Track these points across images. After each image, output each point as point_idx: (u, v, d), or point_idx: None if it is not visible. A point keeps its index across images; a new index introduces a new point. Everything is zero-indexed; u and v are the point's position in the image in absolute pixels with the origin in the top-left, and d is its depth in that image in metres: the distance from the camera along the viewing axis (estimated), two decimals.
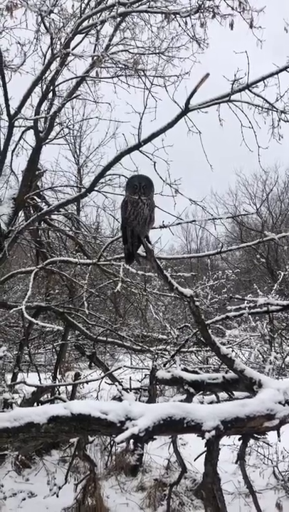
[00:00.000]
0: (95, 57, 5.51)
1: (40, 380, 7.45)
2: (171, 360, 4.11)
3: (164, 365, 4.08)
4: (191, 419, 2.65)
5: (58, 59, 5.57)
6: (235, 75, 4.73)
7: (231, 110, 5.31)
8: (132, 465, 2.21)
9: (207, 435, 2.60)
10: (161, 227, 3.84)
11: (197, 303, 3.03)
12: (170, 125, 5.27)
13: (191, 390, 3.30)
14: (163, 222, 3.69)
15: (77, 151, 15.48)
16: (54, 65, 5.82)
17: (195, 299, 3.03)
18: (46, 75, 6.57)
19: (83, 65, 7.21)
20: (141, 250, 3.12)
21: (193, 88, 5.03)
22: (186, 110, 5.18)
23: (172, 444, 3.64)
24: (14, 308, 4.29)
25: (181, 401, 3.25)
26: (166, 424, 2.61)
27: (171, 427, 2.64)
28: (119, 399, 6.61)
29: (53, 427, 2.58)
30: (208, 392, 3.50)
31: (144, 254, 3.00)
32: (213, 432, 2.60)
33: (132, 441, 2.46)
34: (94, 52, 6.29)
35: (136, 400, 6.37)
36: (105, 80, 7.34)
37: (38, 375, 7.51)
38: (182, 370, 4.20)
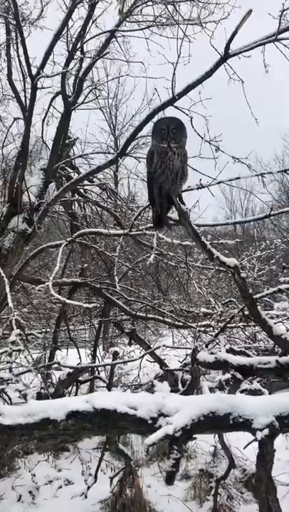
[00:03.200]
0: None
1: (80, 357, 7.21)
2: (214, 339, 3.63)
3: (207, 346, 3.60)
4: (239, 415, 2.18)
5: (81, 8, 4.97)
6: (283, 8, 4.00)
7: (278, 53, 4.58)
8: (168, 471, 1.88)
9: (259, 434, 2.11)
10: (198, 187, 3.30)
11: (243, 274, 2.51)
12: (208, 74, 4.63)
13: (238, 375, 2.80)
14: (200, 182, 3.15)
15: (114, 121, 14.91)
16: (77, 15, 5.24)
17: (240, 269, 2.51)
18: (72, 32, 6.05)
19: (112, 21, 6.63)
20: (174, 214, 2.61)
21: (235, 28, 4.36)
22: (226, 56, 4.52)
23: (218, 435, 3.19)
24: (41, 285, 3.92)
25: (227, 389, 2.77)
26: (207, 421, 2.15)
27: (214, 424, 2.18)
28: (162, 377, 6.27)
29: (73, 423, 2.18)
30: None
31: (178, 217, 2.49)
32: (266, 431, 2.11)
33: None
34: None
35: (176, 382, 6.01)
36: (137, 35, 6.73)
37: (78, 352, 7.25)
38: (228, 350, 3.71)
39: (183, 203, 2.42)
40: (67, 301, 4.06)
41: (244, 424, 2.17)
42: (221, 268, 6.76)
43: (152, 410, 2.16)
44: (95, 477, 3.45)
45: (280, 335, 2.55)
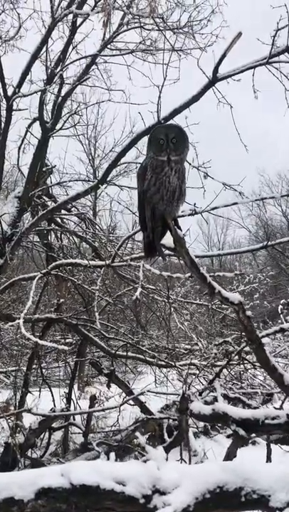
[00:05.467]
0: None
1: (53, 400, 6.63)
2: (209, 386, 3.21)
3: (200, 394, 3.18)
4: (253, 490, 1.75)
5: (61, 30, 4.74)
6: (275, 32, 3.82)
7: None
8: None
9: None
10: (191, 213, 2.96)
11: (249, 312, 2.14)
12: (195, 98, 4.42)
13: (242, 432, 2.38)
14: (195, 206, 2.80)
15: (92, 152, 14.71)
16: (57, 35, 5.00)
17: (245, 306, 2.14)
18: (51, 57, 5.81)
19: (94, 49, 6.44)
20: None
21: (223, 52, 4.17)
22: (215, 79, 4.32)
23: None
24: (10, 323, 3.46)
25: (230, 448, 2.34)
26: (214, 499, 1.72)
27: (223, 502, 1.74)
28: (142, 422, 5.75)
29: (44, 504, 1.71)
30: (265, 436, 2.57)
31: (173, 244, 2.12)
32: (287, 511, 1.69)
33: None
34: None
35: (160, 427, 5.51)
36: (119, 62, 6.55)
37: (52, 395, 6.67)
38: (222, 396, 3.29)
39: (179, 228, 2.07)
40: (40, 341, 3.60)
41: (259, 502, 1.73)
42: (205, 303, 6.37)
43: (145, 485, 1.72)
44: None
45: None
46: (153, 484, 1.72)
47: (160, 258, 2.59)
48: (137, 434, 2.96)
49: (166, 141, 1.89)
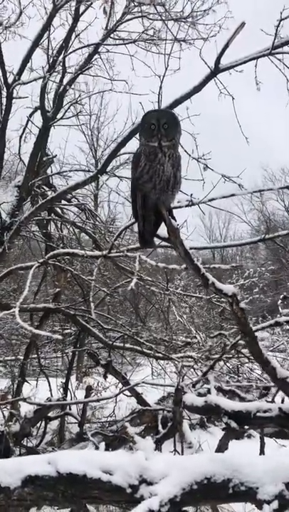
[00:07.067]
0: None
1: (50, 390, 6.64)
2: (202, 378, 3.20)
3: (194, 386, 3.17)
4: (241, 482, 1.74)
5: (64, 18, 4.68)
6: (279, 22, 3.76)
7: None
8: None
9: (267, 509, 1.68)
10: (188, 204, 2.93)
11: (243, 305, 2.12)
12: (197, 89, 4.37)
13: (233, 424, 2.37)
14: (191, 196, 2.76)
15: (95, 143, 14.63)
16: (58, 22, 4.94)
17: (244, 300, 2.12)
18: (53, 45, 5.76)
19: (96, 38, 6.36)
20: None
21: (226, 42, 4.11)
22: (217, 70, 4.27)
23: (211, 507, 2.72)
24: (5, 312, 3.45)
25: (222, 441, 2.33)
26: (201, 490, 1.71)
27: (210, 493, 1.73)
28: (138, 413, 5.75)
29: (31, 492, 1.71)
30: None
31: (167, 235, 2.09)
32: (275, 504, 1.68)
33: None
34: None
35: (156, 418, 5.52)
36: (121, 52, 6.48)
37: (49, 385, 6.69)
38: (216, 388, 3.28)
39: (174, 218, 2.04)
40: (34, 330, 3.58)
41: (247, 494, 1.73)
42: (204, 296, 6.33)
43: (132, 475, 1.71)
44: None
45: (286, 378, 2.15)
46: (140, 474, 1.71)
47: (159, 249, 2.56)
48: (126, 424, 2.94)
49: (158, 126, 1.85)
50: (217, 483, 1.72)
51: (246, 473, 1.75)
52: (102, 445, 2.07)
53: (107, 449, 3.71)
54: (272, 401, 2.64)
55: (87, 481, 1.70)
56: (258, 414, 2.27)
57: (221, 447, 2.43)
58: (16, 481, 1.70)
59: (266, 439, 3.01)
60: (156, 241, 2.27)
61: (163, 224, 2.08)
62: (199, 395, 3.03)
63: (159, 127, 1.84)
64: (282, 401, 2.35)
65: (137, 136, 4.80)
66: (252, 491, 1.73)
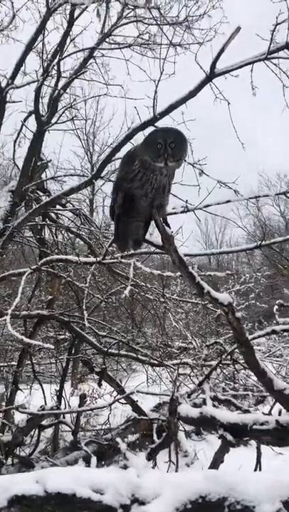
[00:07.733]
0: None
1: (44, 397, 6.55)
2: (197, 388, 3.14)
3: (189, 396, 3.10)
4: (237, 500, 1.67)
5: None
6: (274, 27, 3.73)
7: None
8: None
9: None
10: (183, 211, 2.87)
11: (238, 314, 2.06)
12: (192, 94, 4.33)
13: (229, 437, 2.31)
14: (187, 202, 2.69)
15: (90, 148, 14.59)
16: (52, 26, 4.89)
17: (235, 308, 2.06)
18: (48, 49, 5.71)
19: (91, 42, 6.33)
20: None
21: (222, 46, 4.08)
22: (212, 75, 4.23)
23: None
24: None
25: (217, 454, 2.26)
26: (196, 509, 1.64)
27: None
28: (133, 421, 5.67)
29: None
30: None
31: (161, 242, 2.03)
32: None
33: None
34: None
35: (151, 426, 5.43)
36: (116, 57, 6.44)
37: (43, 392, 6.60)
38: (211, 398, 3.21)
39: (168, 225, 1.98)
40: (25, 339, 3.51)
41: None
42: (200, 302, 6.26)
43: (124, 494, 1.64)
44: None
45: (283, 389, 2.09)
46: (132, 493, 1.64)
47: (155, 255, 2.50)
48: (118, 440, 2.86)
49: (164, 145, 1.76)
50: (212, 502, 1.65)
51: (242, 491, 1.68)
52: (94, 460, 1.98)
53: (100, 460, 3.63)
54: (269, 413, 2.58)
55: (77, 501, 1.63)
56: (255, 426, 2.20)
57: (217, 461, 2.36)
58: (2, 501, 1.62)
59: (262, 447, 2.95)
60: (151, 248, 2.21)
61: (157, 231, 2.03)
62: (195, 405, 2.97)
63: (166, 146, 1.75)
64: (280, 413, 2.28)
65: (132, 141, 4.78)
66: (248, 509, 1.66)
